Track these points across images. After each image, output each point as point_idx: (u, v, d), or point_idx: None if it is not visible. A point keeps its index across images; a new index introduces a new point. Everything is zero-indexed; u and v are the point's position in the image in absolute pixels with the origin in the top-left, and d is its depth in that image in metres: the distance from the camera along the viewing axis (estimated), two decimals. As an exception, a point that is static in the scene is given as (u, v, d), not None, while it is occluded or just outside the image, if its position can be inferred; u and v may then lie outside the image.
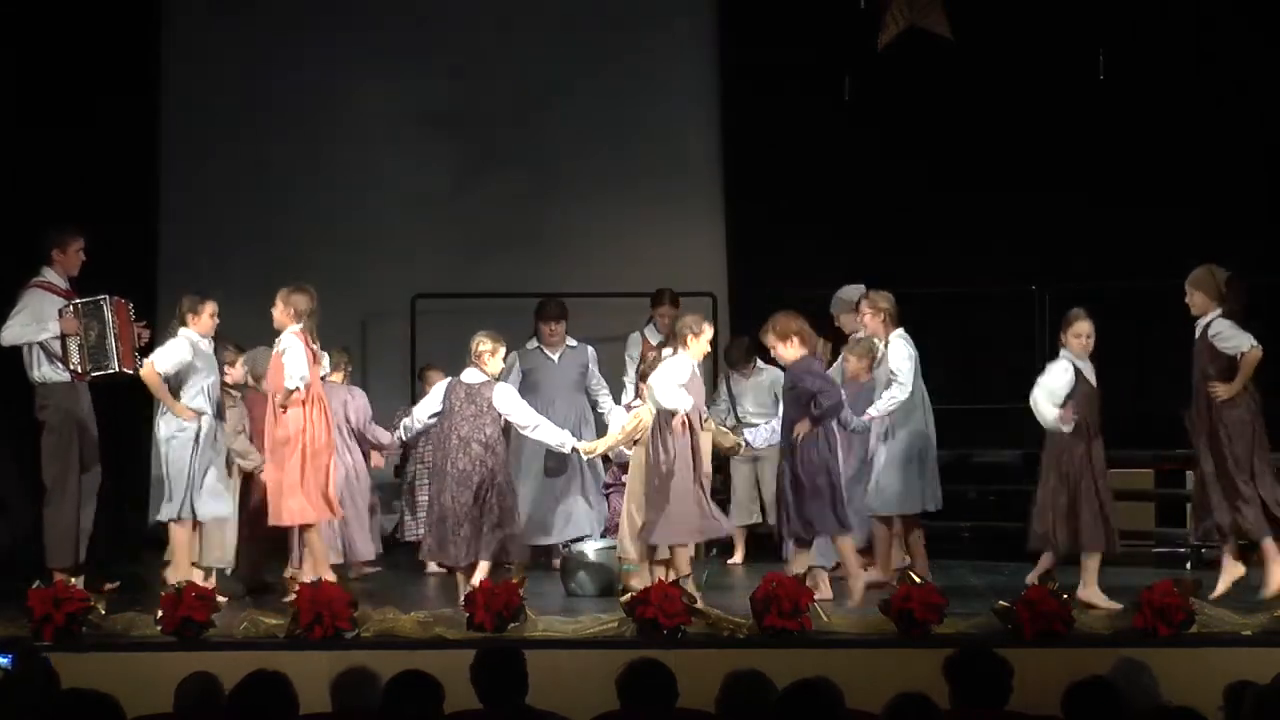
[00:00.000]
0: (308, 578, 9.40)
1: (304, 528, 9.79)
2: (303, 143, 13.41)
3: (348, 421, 10.70)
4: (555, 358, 11.33)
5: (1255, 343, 9.40)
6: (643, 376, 10.10)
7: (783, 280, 11.95)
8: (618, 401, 11.32)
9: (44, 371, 10.11)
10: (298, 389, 9.64)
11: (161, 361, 9.69)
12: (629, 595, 8.66)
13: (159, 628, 8.49)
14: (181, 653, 8.21)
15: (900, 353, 10.20)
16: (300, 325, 9.79)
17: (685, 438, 9.39)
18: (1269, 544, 9.51)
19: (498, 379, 9.90)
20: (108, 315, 10.09)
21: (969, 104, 12.92)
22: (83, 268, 10.38)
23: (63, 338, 10.03)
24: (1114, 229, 12.96)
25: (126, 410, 12.40)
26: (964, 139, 12.95)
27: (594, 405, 11.35)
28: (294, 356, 9.69)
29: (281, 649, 8.25)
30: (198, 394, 9.72)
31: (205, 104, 13.34)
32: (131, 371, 10.33)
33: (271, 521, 9.86)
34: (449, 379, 9.95)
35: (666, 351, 9.86)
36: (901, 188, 13.00)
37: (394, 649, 8.21)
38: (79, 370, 10.06)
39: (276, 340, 9.84)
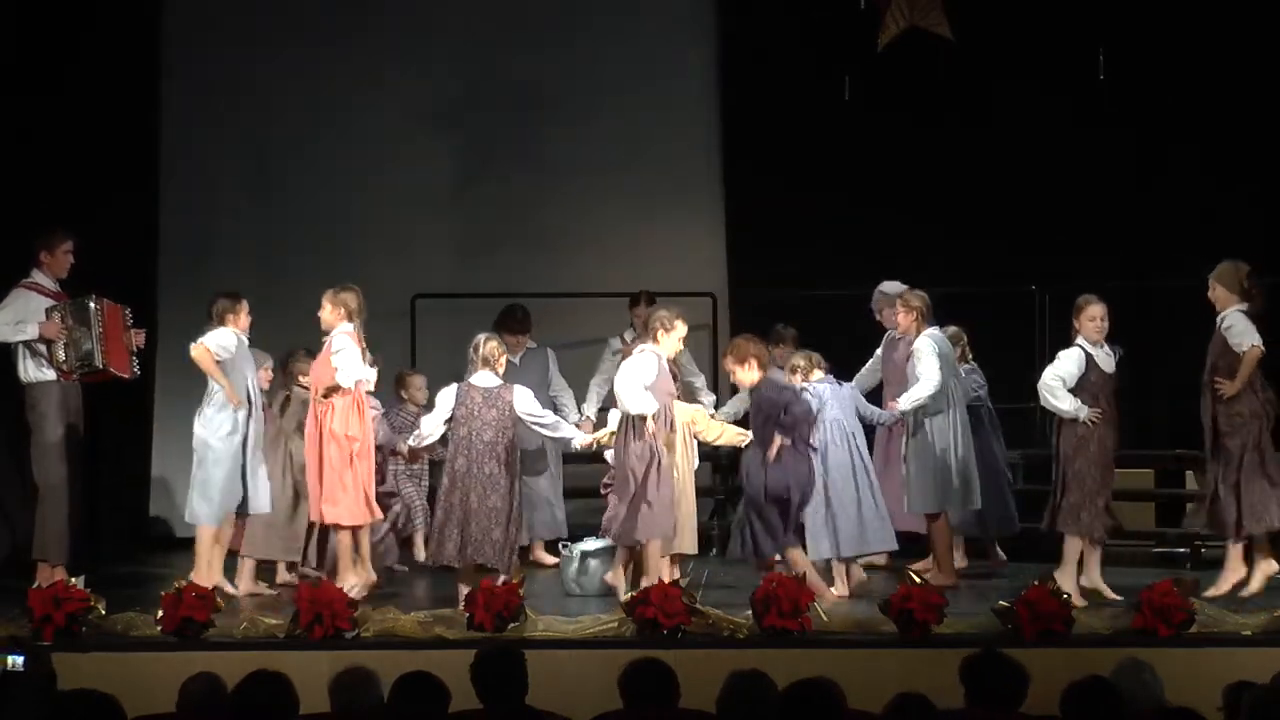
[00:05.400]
0: (350, 580, 9.53)
1: (343, 528, 9.79)
2: (303, 142, 13.40)
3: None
4: (517, 360, 11.39)
5: (1258, 342, 9.39)
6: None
7: (783, 280, 11.94)
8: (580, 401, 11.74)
9: (32, 372, 10.12)
10: (348, 387, 9.64)
11: (211, 341, 9.72)
12: (628, 595, 8.67)
13: (159, 628, 8.50)
14: (181, 653, 8.22)
15: (927, 351, 10.27)
16: (353, 325, 9.79)
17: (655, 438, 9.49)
18: (1233, 548, 9.52)
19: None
20: (93, 316, 10.09)
21: (969, 104, 12.91)
22: (82, 270, 10.38)
23: (47, 341, 10.03)
24: (1114, 229, 12.96)
25: (126, 411, 12.43)
26: (963, 139, 12.94)
27: (555, 407, 11.40)
28: (349, 356, 9.68)
29: (281, 649, 8.27)
30: (240, 388, 9.78)
31: (205, 104, 13.31)
32: (126, 375, 10.35)
33: (313, 518, 10.05)
34: (455, 385, 9.94)
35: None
36: (901, 187, 12.99)
37: (394, 649, 8.22)
38: (65, 370, 10.07)
39: (327, 339, 9.82)
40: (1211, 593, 9.36)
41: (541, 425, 9.95)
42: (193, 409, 10.05)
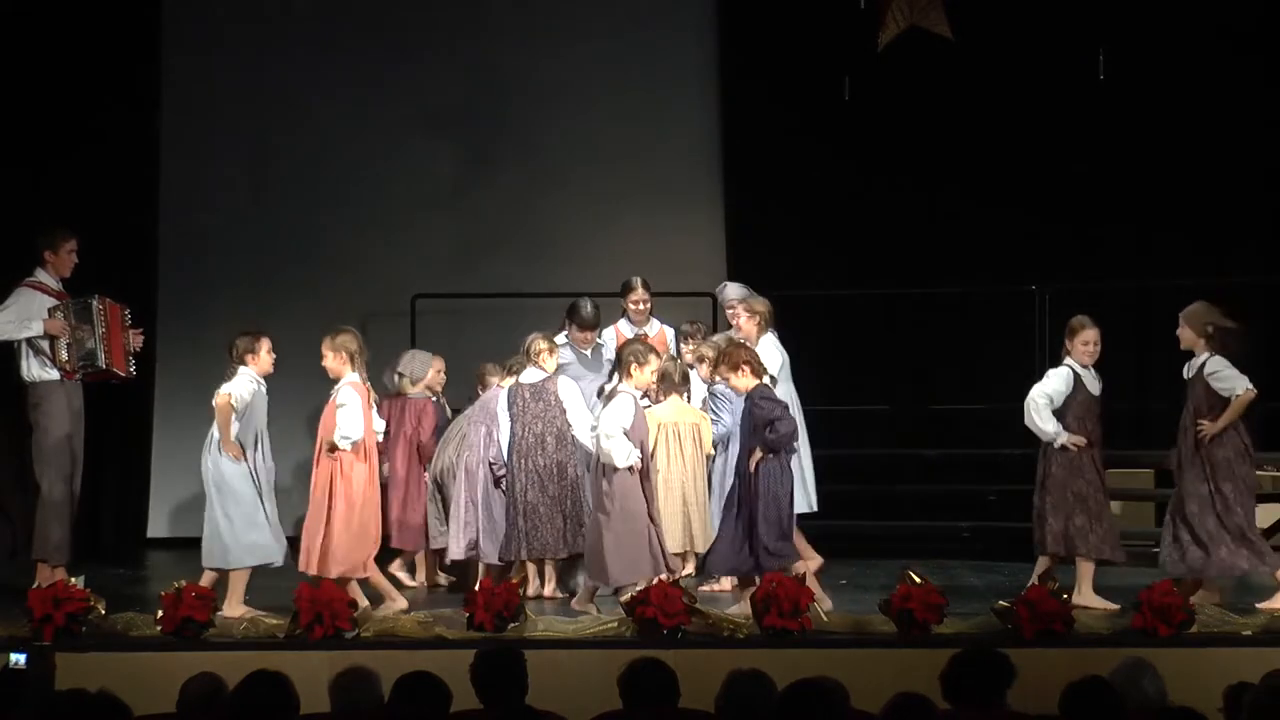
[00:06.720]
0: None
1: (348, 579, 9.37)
2: (303, 143, 13.40)
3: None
4: (588, 352, 11.36)
5: (1250, 386, 9.34)
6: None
7: (782, 280, 11.93)
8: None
9: (34, 371, 10.12)
10: (345, 448, 9.28)
11: (237, 391, 9.28)
12: (628, 595, 8.68)
13: (159, 628, 8.50)
14: (181, 653, 8.21)
15: (768, 359, 10.24)
16: (357, 373, 9.42)
17: (635, 479, 9.33)
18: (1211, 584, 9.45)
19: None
20: (96, 315, 10.10)
21: (969, 104, 12.91)
22: (82, 271, 10.38)
23: (50, 338, 10.04)
24: (1114, 229, 12.96)
25: (126, 411, 12.45)
26: (964, 139, 12.95)
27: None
28: (350, 413, 9.28)
29: (281, 649, 8.26)
30: (246, 434, 9.33)
31: (205, 105, 13.32)
32: (124, 374, 10.35)
33: (301, 567, 9.42)
34: (506, 388, 10.07)
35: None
36: (901, 188, 13.00)
37: (394, 649, 8.22)
38: (69, 369, 10.08)
39: (335, 389, 9.43)
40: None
41: (572, 421, 9.89)
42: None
